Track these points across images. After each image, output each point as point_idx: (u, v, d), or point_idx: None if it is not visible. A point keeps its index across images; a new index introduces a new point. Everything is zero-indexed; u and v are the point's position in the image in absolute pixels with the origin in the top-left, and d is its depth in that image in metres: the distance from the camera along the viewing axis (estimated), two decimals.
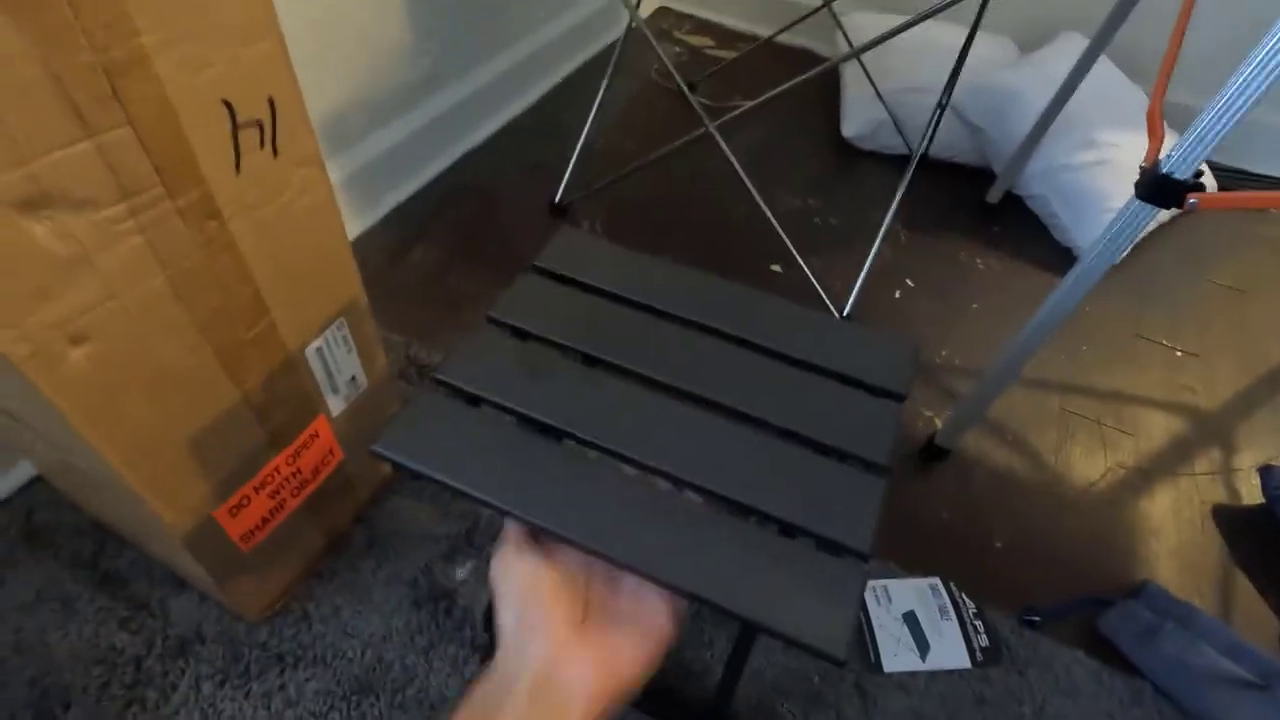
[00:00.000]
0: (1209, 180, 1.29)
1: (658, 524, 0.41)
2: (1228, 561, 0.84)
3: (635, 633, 0.36)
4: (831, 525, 0.42)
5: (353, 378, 0.67)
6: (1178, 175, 0.58)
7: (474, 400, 0.47)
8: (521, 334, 0.52)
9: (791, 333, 0.52)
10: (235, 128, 0.45)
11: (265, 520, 0.63)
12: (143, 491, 0.50)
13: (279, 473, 0.62)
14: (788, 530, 0.42)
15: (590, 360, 0.50)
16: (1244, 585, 0.82)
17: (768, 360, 0.51)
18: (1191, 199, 0.57)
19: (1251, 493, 0.90)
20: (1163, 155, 0.60)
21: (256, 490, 0.61)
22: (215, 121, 0.44)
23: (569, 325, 0.51)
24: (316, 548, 0.74)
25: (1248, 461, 0.94)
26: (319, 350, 0.61)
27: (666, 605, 0.38)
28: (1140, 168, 0.61)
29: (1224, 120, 0.54)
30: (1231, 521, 0.88)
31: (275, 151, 0.48)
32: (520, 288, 0.54)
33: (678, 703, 0.61)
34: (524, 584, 0.37)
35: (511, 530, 0.40)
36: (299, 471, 0.64)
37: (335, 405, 0.67)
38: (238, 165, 0.46)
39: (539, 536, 0.40)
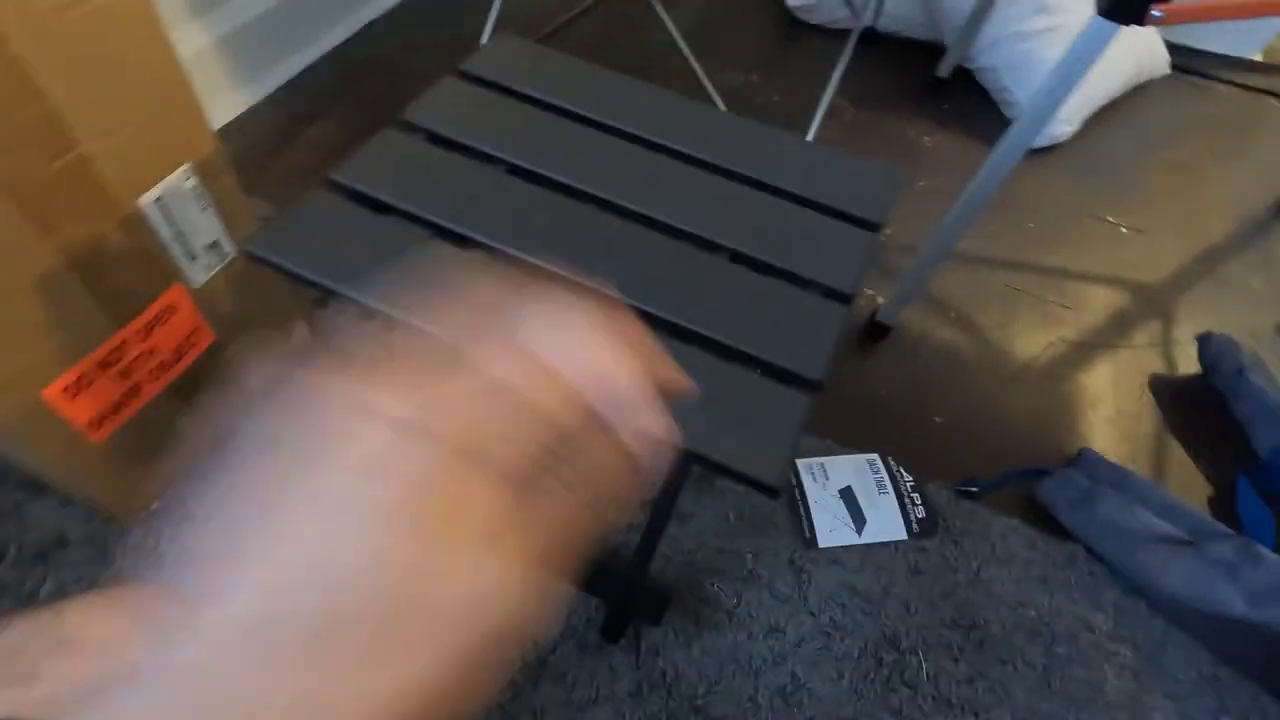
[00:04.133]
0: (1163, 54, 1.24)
1: None
2: (1163, 429, 0.83)
3: None
4: (781, 351, 0.37)
5: (214, 243, 0.58)
6: None
7: (379, 207, 0.42)
8: (440, 140, 0.46)
9: (751, 151, 0.46)
10: None
11: (118, 406, 0.55)
12: None
13: (128, 349, 0.54)
14: (733, 356, 0.37)
15: (517, 171, 0.44)
16: (1178, 451, 0.81)
17: (724, 180, 0.45)
18: (1156, 10, 0.51)
19: (1189, 363, 0.89)
20: None
21: (101, 368, 0.52)
22: None
23: (496, 133, 0.46)
24: None
25: (1186, 333, 0.92)
26: (159, 202, 0.52)
27: None
28: None
29: None
30: (1169, 390, 0.87)
31: None
32: (441, 91, 0.48)
33: (602, 571, 0.57)
34: None
35: None
36: (155, 350, 0.56)
37: (196, 274, 0.58)
38: None
39: None
